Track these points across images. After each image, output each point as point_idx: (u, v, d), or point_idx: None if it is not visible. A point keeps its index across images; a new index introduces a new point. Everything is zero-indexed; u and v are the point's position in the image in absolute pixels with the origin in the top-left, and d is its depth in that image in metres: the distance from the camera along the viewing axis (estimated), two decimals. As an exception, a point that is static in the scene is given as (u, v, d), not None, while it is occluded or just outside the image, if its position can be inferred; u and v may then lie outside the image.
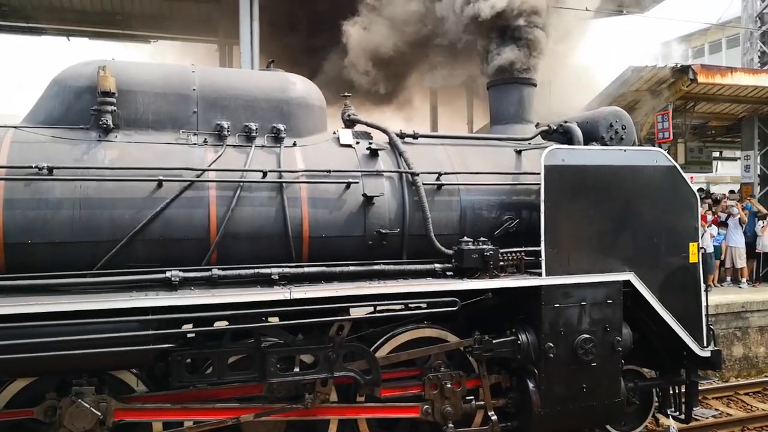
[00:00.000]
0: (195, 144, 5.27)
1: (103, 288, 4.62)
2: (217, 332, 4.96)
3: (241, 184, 5.13)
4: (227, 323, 4.89)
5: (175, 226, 4.94)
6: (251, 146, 5.35)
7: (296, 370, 5.06)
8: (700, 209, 6.33)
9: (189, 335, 5.03)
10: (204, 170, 5.08)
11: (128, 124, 5.14)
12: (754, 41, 17.81)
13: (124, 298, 4.44)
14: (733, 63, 22.15)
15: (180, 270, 4.75)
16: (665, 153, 6.14)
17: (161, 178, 4.91)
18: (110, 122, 4.99)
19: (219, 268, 4.89)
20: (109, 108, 4.99)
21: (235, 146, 5.35)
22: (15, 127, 4.99)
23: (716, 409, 8.61)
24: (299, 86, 5.79)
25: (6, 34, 15.99)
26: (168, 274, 4.68)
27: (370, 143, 5.79)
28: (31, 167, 4.62)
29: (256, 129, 5.41)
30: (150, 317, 4.47)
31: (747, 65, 17.64)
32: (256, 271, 4.95)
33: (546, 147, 5.84)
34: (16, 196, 4.63)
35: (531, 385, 5.59)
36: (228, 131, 5.33)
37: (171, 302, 4.53)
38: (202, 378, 4.91)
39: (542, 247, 5.52)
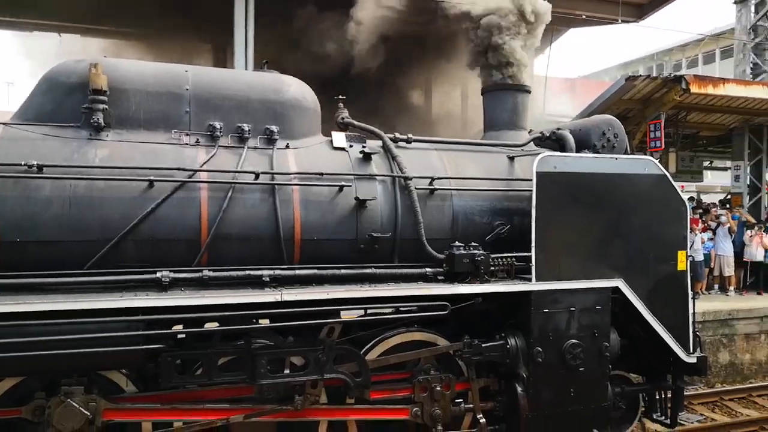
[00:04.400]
0: (187, 144, 5.26)
1: (92, 287, 4.59)
2: (207, 333, 4.95)
3: (233, 185, 5.13)
4: (217, 324, 4.89)
5: (166, 226, 4.93)
6: (244, 147, 5.35)
7: (286, 371, 5.06)
8: (689, 218, 6.39)
9: (179, 336, 5.02)
10: (196, 171, 5.07)
11: (120, 123, 5.12)
12: (746, 53, 17.99)
13: (114, 298, 4.42)
14: (726, 74, 22.36)
15: (170, 271, 4.73)
16: (656, 162, 6.18)
17: (152, 178, 4.90)
18: (101, 121, 4.96)
19: (210, 270, 4.88)
20: (101, 106, 4.96)
21: (227, 147, 5.34)
22: (4, 124, 4.96)
23: (701, 415, 8.68)
24: (294, 88, 5.79)
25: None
26: (158, 274, 4.66)
27: (364, 147, 5.80)
28: (21, 165, 4.60)
29: (249, 130, 5.40)
30: (140, 317, 4.45)
31: (739, 76, 17.80)
32: (248, 272, 4.94)
33: (538, 154, 5.87)
34: (5, 194, 4.60)
35: (519, 389, 5.61)
36: (220, 132, 5.32)
37: (161, 303, 4.52)
38: (191, 379, 4.89)
39: (533, 253, 5.55)
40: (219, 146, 5.29)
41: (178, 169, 5.03)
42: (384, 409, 5.45)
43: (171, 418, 4.82)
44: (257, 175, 5.18)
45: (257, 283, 4.94)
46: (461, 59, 7.48)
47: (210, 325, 4.94)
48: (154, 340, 4.58)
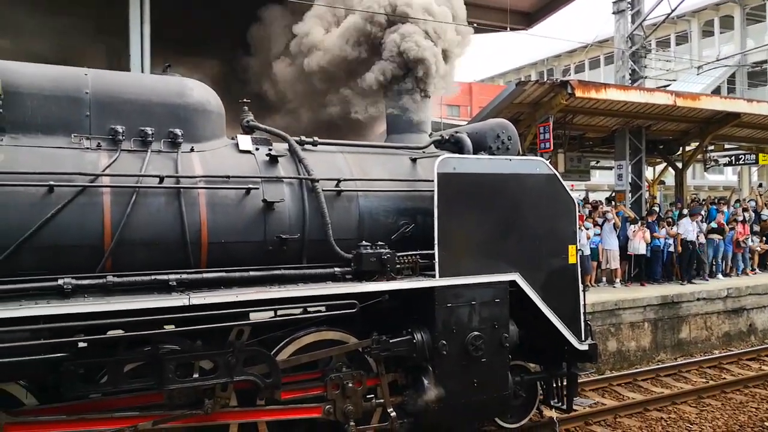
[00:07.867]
0: (88, 148, 5.13)
1: (-11, 297, 4.39)
2: (112, 340, 4.85)
3: (137, 189, 5.06)
4: (123, 331, 4.80)
5: (67, 232, 4.79)
6: (147, 151, 5.28)
7: (195, 376, 5.04)
8: (578, 214, 6.88)
9: (82, 344, 4.88)
10: (97, 175, 4.96)
11: (16, 128, 4.92)
12: (625, 60, 19.37)
13: (13, 306, 4.26)
14: (611, 78, 23.95)
15: (73, 277, 4.60)
16: (546, 162, 6.63)
17: (52, 183, 4.75)
18: (-6, 125, 4.76)
19: (114, 275, 4.79)
20: (-6, 110, 4.76)
21: (130, 151, 5.25)
22: None
23: (593, 399, 9.31)
24: (197, 92, 5.76)
25: None
26: (60, 281, 4.53)
27: (270, 149, 5.86)
28: None
29: (152, 134, 5.33)
30: (41, 326, 4.31)
31: (620, 82, 19.13)
32: (154, 277, 4.89)
33: (439, 156, 6.16)
34: None
35: (426, 381, 5.85)
36: (123, 135, 5.23)
37: (64, 310, 4.39)
38: (96, 388, 4.78)
39: (435, 251, 5.81)
40: (121, 150, 5.19)
41: (79, 173, 4.90)
42: (296, 408, 5.52)
43: (77, 429, 4.68)
44: (162, 179, 5.14)
45: (164, 288, 4.89)
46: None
47: (115, 332, 4.84)
48: (57, 349, 4.44)
